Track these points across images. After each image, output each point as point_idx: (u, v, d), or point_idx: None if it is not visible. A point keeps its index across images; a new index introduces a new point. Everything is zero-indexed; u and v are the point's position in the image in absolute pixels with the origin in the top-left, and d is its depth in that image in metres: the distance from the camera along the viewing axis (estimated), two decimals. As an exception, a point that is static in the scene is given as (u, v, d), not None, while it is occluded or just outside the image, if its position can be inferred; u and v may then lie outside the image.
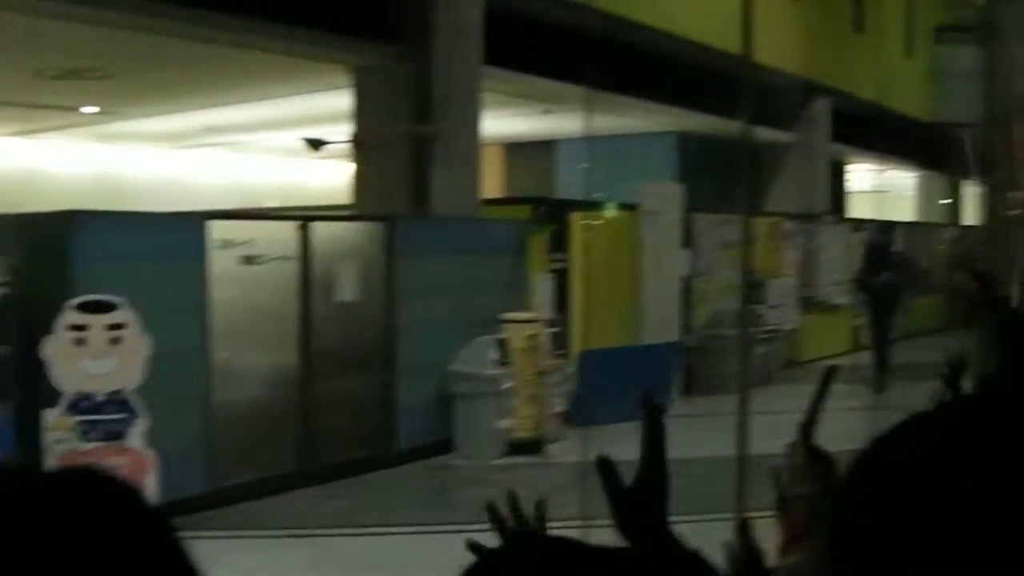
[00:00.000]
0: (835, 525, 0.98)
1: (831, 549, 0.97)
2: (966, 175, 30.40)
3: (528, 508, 1.66)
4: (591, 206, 15.15)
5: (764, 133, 21.62)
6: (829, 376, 2.40)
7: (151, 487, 8.62)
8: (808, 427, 2.16)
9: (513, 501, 1.57)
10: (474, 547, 1.52)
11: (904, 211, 32.08)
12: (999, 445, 0.91)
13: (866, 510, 0.94)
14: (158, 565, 0.99)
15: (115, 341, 8.81)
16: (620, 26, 15.49)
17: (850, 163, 28.72)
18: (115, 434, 8.73)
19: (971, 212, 30.95)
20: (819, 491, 2.04)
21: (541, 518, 1.66)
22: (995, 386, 2.50)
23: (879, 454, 0.98)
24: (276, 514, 9.79)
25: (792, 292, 19.58)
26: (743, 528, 2.05)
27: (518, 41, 15.11)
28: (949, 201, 32.87)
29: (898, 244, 18.44)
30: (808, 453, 2.10)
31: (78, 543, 0.93)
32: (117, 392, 8.77)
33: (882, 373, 16.89)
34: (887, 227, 18.56)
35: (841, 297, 21.67)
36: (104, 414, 8.66)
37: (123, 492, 1.02)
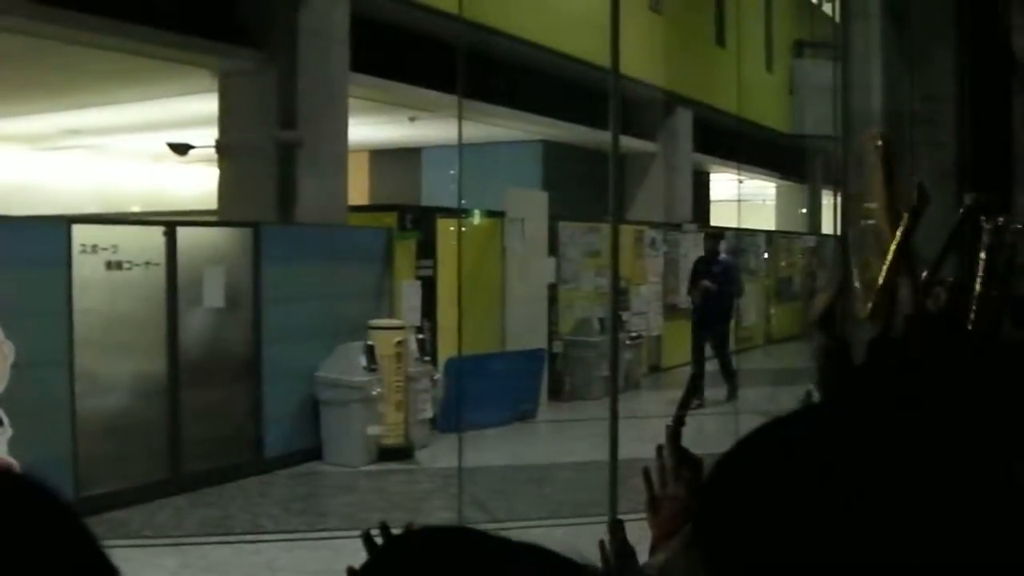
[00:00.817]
0: (700, 523, 1.04)
1: (699, 546, 1.04)
2: (824, 185, 31.08)
3: (400, 520, 1.70)
4: (457, 213, 15.21)
5: (628, 143, 21.89)
6: (694, 383, 2.50)
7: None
8: (676, 430, 2.23)
9: (385, 529, 1.61)
10: (368, 539, 1.55)
11: (765, 220, 32.66)
12: (845, 448, 0.99)
13: (729, 509, 1.01)
14: (78, 562, 1.01)
15: (-23, 348, 8.65)
16: (487, 36, 15.58)
17: (713, 173, 29.16)
18: (-23, 443, 8.58)
19: (829, 221, 31.57)
20: (687, 492, 2.10)
21: None
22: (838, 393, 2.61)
23: (740, 457, 1.05)
24: (144, 523, 9.69)
25: (656, 299, 19.84)
26: (615, 527, 2.12)
27: (385, 48, 15.13)
28: (806, 211, 33.55)
29: (724, 253, 17.76)
30: (676, 455, 2.16)
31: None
32: (-21, 400, 8.62)
33: (730, 383, 16.65)
34: (714, 236, 17.93)
35: (703, 304, 21.99)
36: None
37: (35, 489, 1.03)
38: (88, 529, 1.06)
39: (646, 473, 2.17)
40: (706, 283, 16.28)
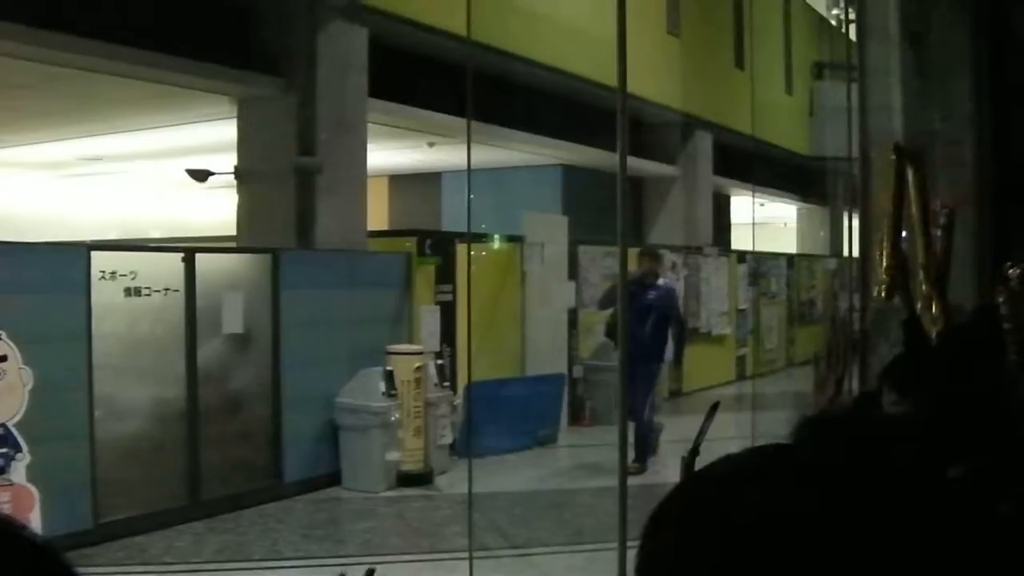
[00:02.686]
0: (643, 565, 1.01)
1: None
2: (845, 207, 30.98)
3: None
4: (477, 238, 15.20)
5: (648, 166, 21.90)
6: (713, 411, 2.49)
7: (35, 523, 8.46)
8: (692, 458, 2.22)
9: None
10: None
11: (787, 243, 32.60)
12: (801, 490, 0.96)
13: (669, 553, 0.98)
14: None
15: (-4, 374, 8.65)
16: (506, 60, 15.61)
17: (733, 195, 29.12)
18: (-4, 469, 8.57)
19: (850, 243, 31.48)
20: None
21: None
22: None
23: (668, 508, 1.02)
24: (164, 549, 9.67)
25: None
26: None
27: (403, 74, 15.14)
28: (827, 233, 33.46)
29: (663, 279, 14.25)
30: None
31: None
32: (-2, 426, 8.61)
33: (644, 446, 13.05)
34: (651, 254, 13.98)
35: (724, 327, 21.97)
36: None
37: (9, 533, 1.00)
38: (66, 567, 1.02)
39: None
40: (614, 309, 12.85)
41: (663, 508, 1.01)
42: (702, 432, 2.41)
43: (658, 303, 13.23)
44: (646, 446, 13.04)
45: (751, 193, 27.93)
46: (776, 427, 15.30)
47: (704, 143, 24.08)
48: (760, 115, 23.62)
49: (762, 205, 29.91)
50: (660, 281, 13.67)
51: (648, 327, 12.94)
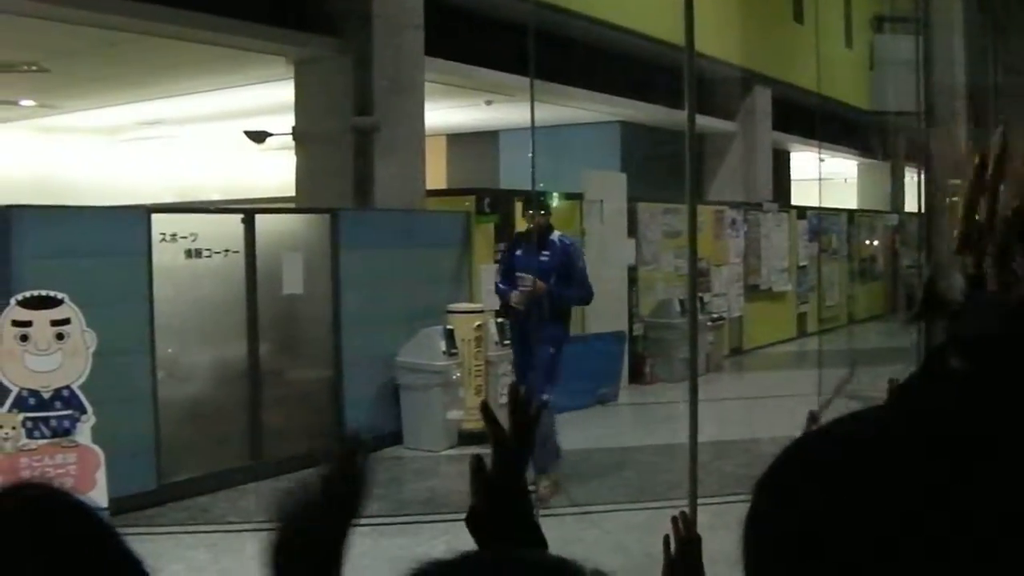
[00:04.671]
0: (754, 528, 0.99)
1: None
2: (906, 162, 30.69)
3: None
4: (535, 196, 15.14)
5: (707, 122, 21.72)
6: (852, 370, 2.51)
7: (100, 484, 8.54)
8: (820, 413, 2.23)
9: None
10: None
11: (847, 198, 32.32)
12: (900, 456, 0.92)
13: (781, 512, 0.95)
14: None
15: (60, 337, 8.70)
16: (563, 17, 15.50)
17: (793, 151, 28.88)
18: (62, 431, 8.63)
19: (912, 199, 31.24)
20: None
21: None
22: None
23: (796, 457, 0.99)
24: (226, 508, 9.73)
25: (736, 280, 19.68)
26: (681, 520, 2.10)
27: (460, 32, 15.08)
28: (890, 189, 33.16)
29: (559, 232, 10.74)
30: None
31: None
32: (63, 388, 8.67)
33: (545, 454, 9.81)
34: (542, 208, 10.76)
35: (785, 284, 21.83)
36: (51, 411, 8.56)
37: (65, 503, 0.97)
38: (119, 537, 0.99)
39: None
40: (517, 292, 10.32)
41: (784, 466, 0.97)
42: (838, 388, 2.40)
43: (554, 265, 10.26)
44: (546, 453, 9.85)
45: (811, 149, 27.72)
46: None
47: (763, 98, 23.86)
48: (820, 69, 23.39)
49: (822, 161, 29.64)
50: (555, 236, 10.51)
51: (544, 297, 10.13)
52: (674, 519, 2.15)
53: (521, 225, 13.11)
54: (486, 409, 1.83)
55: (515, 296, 10.38)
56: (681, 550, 2.08)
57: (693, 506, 5.04)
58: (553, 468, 10.11)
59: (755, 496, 0.98)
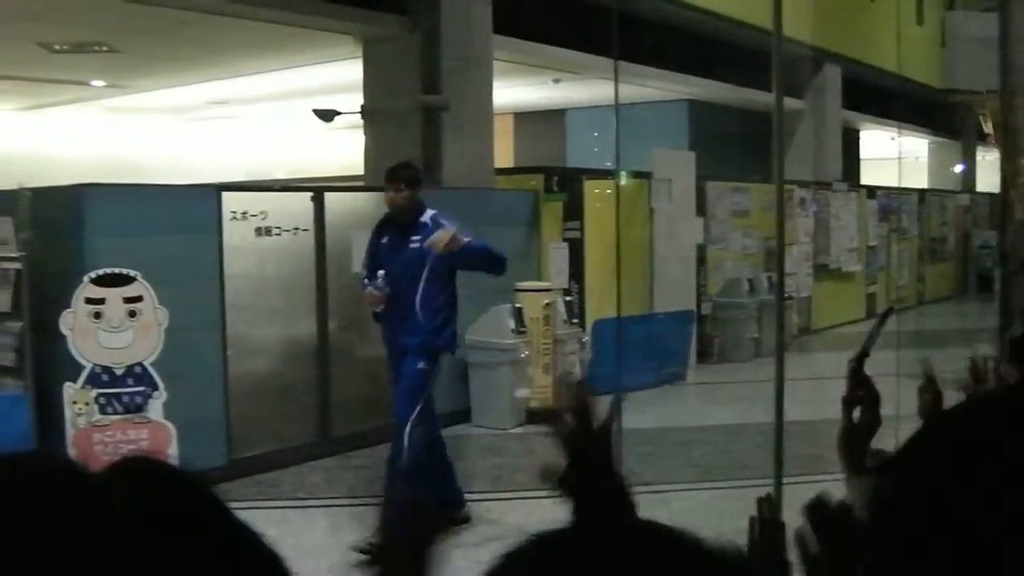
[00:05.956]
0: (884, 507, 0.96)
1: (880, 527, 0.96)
2: (979, 141, 30.34)
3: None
4: (603, 174, 15.10)
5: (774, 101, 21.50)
6: (886, 316, 2.49)
7: (171, 459, 8.59)
8: (860, 362, 2.20)
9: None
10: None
11: (918, 178, 31.98)
12: None
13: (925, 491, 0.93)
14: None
15: (132, 314, 8.78)
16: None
17: (862, 130, 28.60)
18: (134, 407, 8.72)
19: (984, 178, 30.90)
20: (869, 420, 2.09)
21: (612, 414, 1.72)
22: None
23: (941, 435, 0.97)
24: (295, 484, 9.78)
25: (805, 260, 19.53)
26: (765, 504, 2.07)
27: (528, 10, 15.04)
28: (959, 168, 32.79)
29: (431, 212, 8.37)
30: (855, 382, 2.14)
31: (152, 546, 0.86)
32: (135, 365, 8.75)
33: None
34: (408, 182, 8.28)
35: (854, 264, 21.66)
36: (123, 387, 8.65)
37: (187, 483, 0.95)
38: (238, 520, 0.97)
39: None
40: (372, 287, 8.19)
41: (926, 442, 0.95)
42: (873, 335, 2.36)
43: (428, 251, 8.05)
44: (442, 483, 8.38)
45: (881, 127, 27.44)
46: (915, 365, 15.09)
47: (833, 76, 23.63)
48: (890, 47, 23.12)
49: (892, 139, 29.36)
50: (426, 217, 8.27)
51: (417, 291, 8.15)
52: (760, 501, 2.12)
53: (594, 203, 13.06)
54: (547, 416, 1.76)
55: (366, 297, 8.38)
56: (766, 533, 2.05)
57: (778, 488, 4.99)
58: (456, 506, 8.39)
59: (890, 476, 0.95)
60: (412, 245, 8.14)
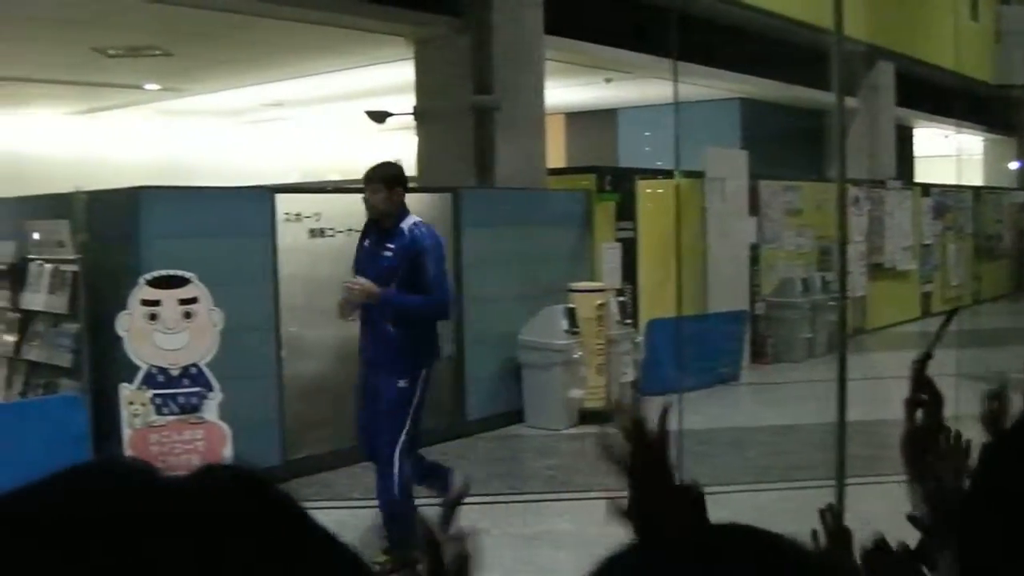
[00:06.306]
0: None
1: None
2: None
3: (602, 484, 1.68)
4: (656, 174, 15.06)
5: (828, 98, 21.38)
6: (951, 316, 2.48)
7: (226, 460, 8.64)
8: (924, 363, 2.18)
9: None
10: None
11: (973, 175, 31.68)
12: None
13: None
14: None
15: (187, 315, 8.83)
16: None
17: (916, 127, 28.36)
18: (190, 407, 8.76)
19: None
20: (928, 422, 2.07)
21: (662, 427, 1.68)
22: None
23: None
24: (349, 485, 9.80)
25: (859, 259, 19.39)
26: (829, 514, 2.06)
27: (580, 10, 15.00)
28: (1018, 164, 32.46)
29: (413, 219, 7.64)
30: (918, 384, 2.13)
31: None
32: (191, 366, 8.80)
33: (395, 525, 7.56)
34: (388, 181, 7.58)
35: (908, 263, 21.48)
36: (179, 388, 8.69)
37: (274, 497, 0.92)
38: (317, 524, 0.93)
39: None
40: (341, 299, 7.63)
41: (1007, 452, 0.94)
42: (938, 337, 2.36)
43: (396, 264, 7.45)
44: (401, 526, 7.47)
45: (935, 124, 27.19)
46: (973, 365, 14.96)
47: (886, 73, 23.44)
48: (944, 43, 22.93)
49: (946, 137, 29.12)
50: (406, 224, 7.55)
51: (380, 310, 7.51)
52: (822, 512, 2.10)
53: (647, 202, 12.99)
54: (605, 445, 1.72)
55: (339, 306, 7.71)
56: (831, 543, 2.04)
57: (840, 489, 4.94)
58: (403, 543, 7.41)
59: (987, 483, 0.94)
60: (386, 253, 7.53)
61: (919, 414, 2.10)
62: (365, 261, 7.66)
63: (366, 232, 7.82)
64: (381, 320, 7.50)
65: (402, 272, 7.39)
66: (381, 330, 7.52)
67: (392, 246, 7.46)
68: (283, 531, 0.85)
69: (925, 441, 2.05)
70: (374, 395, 7.61)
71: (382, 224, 7.59)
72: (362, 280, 7.40)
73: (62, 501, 0.77)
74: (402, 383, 7.43)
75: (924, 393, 2.10)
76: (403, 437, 7.40)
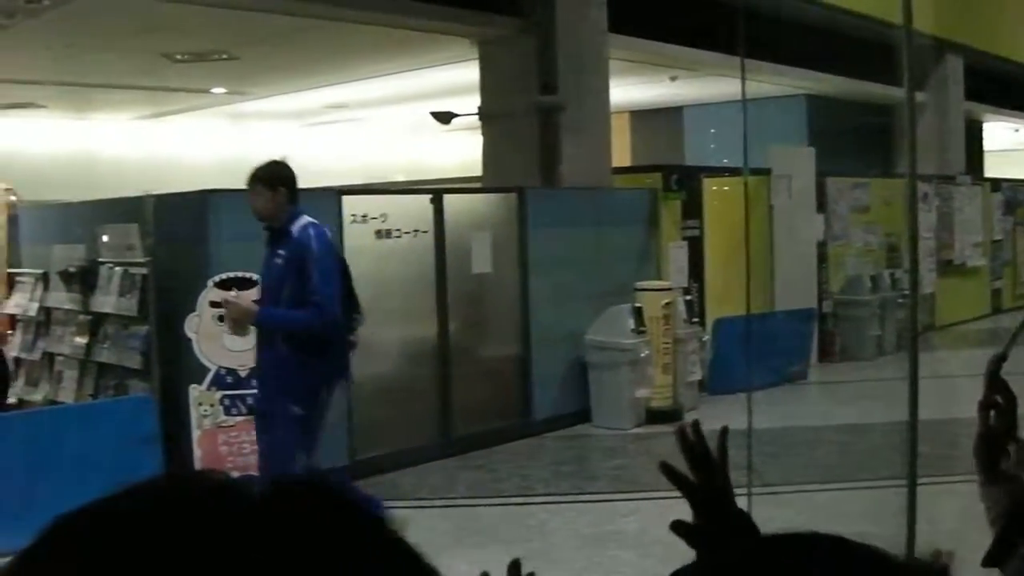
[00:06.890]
0: None
1: None
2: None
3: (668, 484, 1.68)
4: (723, 172, 14.98)
5: (896, 93, 21.16)
6: None
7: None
8: (998, 365, 2.15)
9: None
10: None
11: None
12: None
13: None
14: None
15: (255, 317, 8.89)
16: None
17: (986, 122, 28.02)
18: (258, 408, 8.83)
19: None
20: (1002, 428, 2.03)
21: (723, 451, 1.75)
22: None
23: None
24: (416, 485, 9.83)
25: (928, 255, 19.18)
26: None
27: (644, 8, 14.96)
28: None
29: (304, 220, 7.20)
30: (992, 385, 2.10)
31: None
32: (259, 367, 8.87)
33: None
34: (269, 180, 7.37)
35: (978, 259, 21.23)
36: (247, 389, 8.76)
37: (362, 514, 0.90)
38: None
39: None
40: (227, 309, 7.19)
41: None
42: (1014, 337, 2.32)
43: (287, 272, 6.97)
44: None
45: (1005, 118, 26.85)
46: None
47: (954, 67, 23.17)
48: (1013, 35, 22.65)
49: (1016, 131, 28.76)
50: (296, 226, 7.06)
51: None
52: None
53: (713, 201, 12.90)
54: (670, 472, 1.72)
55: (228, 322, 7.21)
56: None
57: (912, 489, 4.89)
58: None
59: None
60: (276, 260, 7.02)
61: (992, 417, 2.07)
62: (263, 270, 7.25)
63: (267, 238, 7.28)
64: (275, 337, 6.98)
65: (291, 280, 6.88)
66: (275, 349, 7.00)
67: (283, 252, 6.99)
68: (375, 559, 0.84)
69: (999, 445, 2.03)
70: (267, 422, 7.07)
71: (273, 228, 7.13)
72: (233, 296, 7.16)
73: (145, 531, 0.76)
74: (297, 411, 6.88)
75: (998, 395, 2.07)
76: (308, 448, 6.98)
